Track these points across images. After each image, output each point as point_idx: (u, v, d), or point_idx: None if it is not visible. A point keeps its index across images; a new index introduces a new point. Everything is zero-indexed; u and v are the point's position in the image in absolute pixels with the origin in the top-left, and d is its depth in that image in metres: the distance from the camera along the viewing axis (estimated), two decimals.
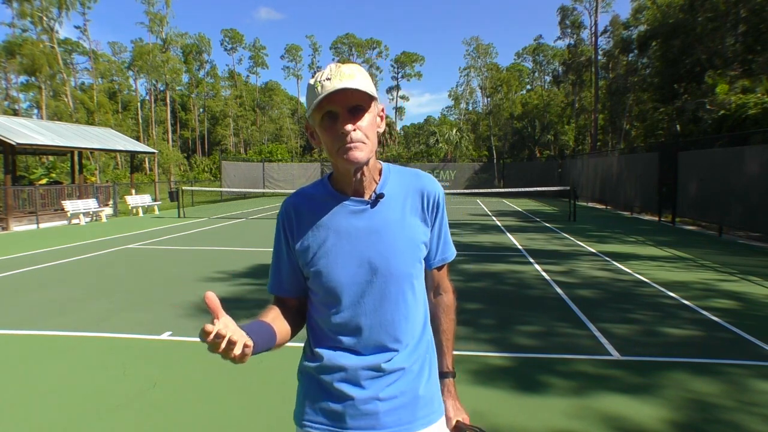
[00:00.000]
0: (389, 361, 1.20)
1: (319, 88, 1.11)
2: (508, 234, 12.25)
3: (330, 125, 1.14)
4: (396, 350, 1.21)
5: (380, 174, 1.25)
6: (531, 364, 4.02)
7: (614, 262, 8.33)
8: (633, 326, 4.94)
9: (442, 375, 1.34)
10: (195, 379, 3.77)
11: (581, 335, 4.70)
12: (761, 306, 5.65)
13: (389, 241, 1.20)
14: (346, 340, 1.20)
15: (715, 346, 4.40)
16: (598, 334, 4.70)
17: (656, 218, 15.41)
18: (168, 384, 3.68)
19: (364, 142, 1.14)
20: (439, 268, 1.35)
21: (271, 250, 1.31)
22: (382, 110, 1.24)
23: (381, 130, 1.22)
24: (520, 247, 10.14)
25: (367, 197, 1.22)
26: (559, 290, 6.42)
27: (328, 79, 1.11)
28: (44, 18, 45.73)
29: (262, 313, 1.22)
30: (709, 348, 4.35)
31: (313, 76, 1.16)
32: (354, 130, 1.12)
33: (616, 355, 4.18)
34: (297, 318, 1.27)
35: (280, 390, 3.55)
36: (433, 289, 1.38)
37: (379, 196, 1.21)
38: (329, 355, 1.21)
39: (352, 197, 1.22)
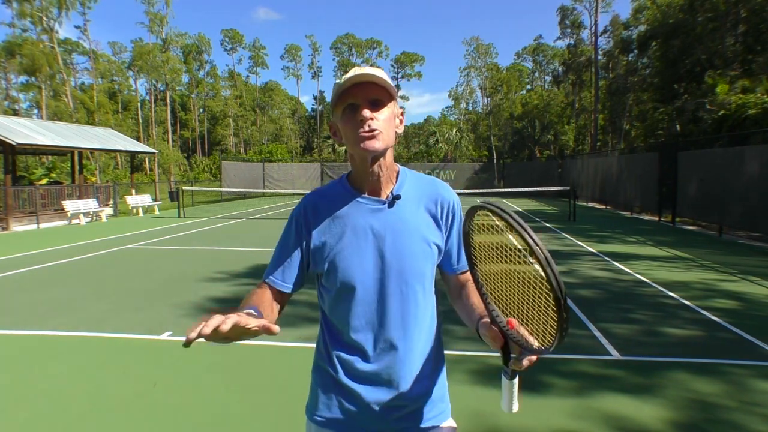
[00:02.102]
0: (400, 362, 1.22)
1: (342, 81, 1.15)
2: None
3: (350, 116, 1.17)
4: (406, 350, 1.22)
5: (397, 177, 1.27)
6: None
7: (614, 262, 8.33)
8: (633, 326, 4.94)
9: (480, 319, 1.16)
10: (195, 379, 3.76)
11: (581, 335, 4.70)
12: (761, 306, 5.65)
13: (404, 241, 1.22)
14: (359, 336, 1.22)
15: (715, 346, 4.40)
16: (598, 334, 4.70)
17: (656, 218, 15.41)
18: (168, 384, 3.68)
19: (381, 132, 1.16)
20: (464, 272, 1.32)
21: (272, 249, 1.31)
22: (402, 113, 1.26)
23: (399, 131, 1.24)
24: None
25: (383, 197, 1.24)
26: None
27: (352, 75, 1.15)
28: (44, 18, 45.76)
29: (254, 297, 1.20)
30: (710, 348, 4.35)
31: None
32: (372, 118, 1.15)
33: (616, 355, 4.18)
34: (278, 309, 1.25)
35: (281, 389, 3.55)
36: (459, 291, 1.32)
37: (396, 197, 1.24)
38: (342, 355, 1.24)
39: (368, 195, 1.24)
